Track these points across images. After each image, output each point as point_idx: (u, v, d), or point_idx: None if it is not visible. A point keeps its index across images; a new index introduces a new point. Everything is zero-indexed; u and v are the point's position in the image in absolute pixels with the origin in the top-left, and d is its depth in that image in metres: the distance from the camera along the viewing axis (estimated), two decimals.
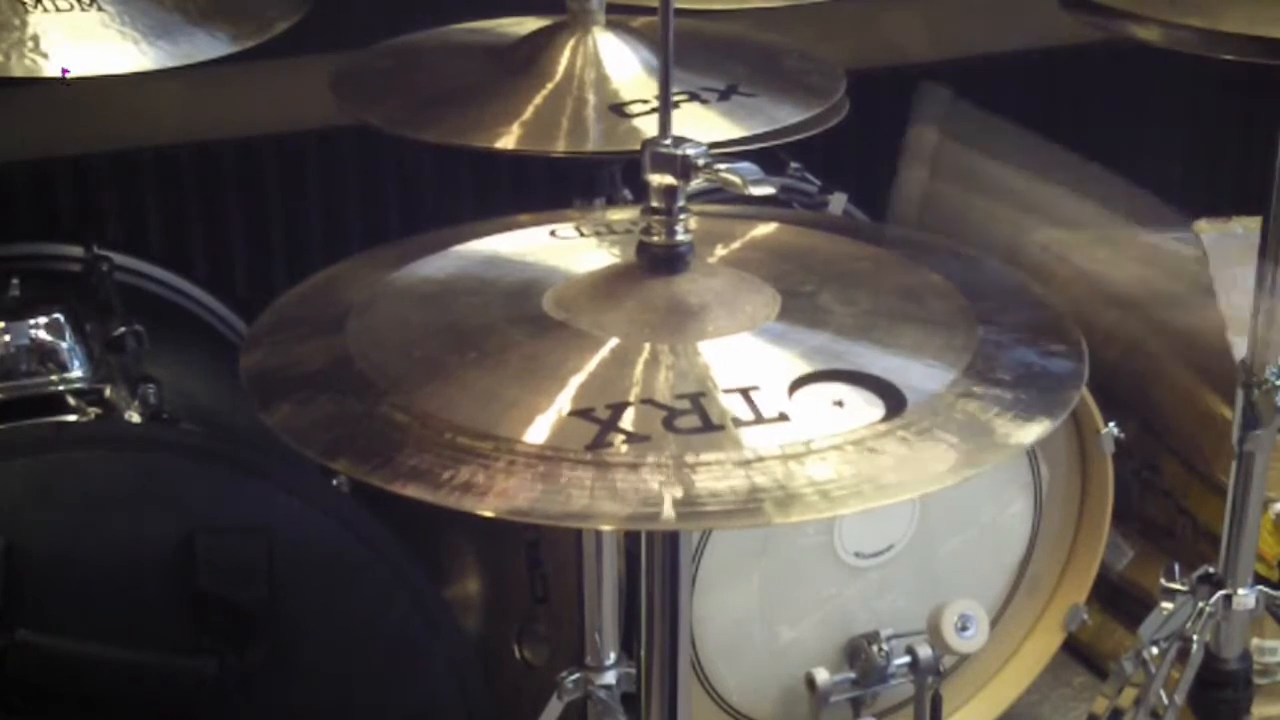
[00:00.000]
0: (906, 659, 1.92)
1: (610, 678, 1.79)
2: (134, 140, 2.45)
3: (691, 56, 1.62)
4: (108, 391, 1.76)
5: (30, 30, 1.61)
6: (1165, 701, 1.95)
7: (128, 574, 1.59)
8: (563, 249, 1.27)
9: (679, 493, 0.97)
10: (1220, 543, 1.95)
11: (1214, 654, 1.97)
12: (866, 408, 1.04)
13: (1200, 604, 1.93)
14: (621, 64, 1.62)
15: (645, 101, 1.55)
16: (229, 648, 1.59)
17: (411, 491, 0.97)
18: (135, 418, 1.74)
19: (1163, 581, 1.97)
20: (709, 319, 1.11)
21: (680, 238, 1.14)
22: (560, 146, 1.53)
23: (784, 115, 1.59)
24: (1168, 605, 1.95)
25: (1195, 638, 1.92)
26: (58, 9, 1.64)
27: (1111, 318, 2.52)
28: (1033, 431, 1.05)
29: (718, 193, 1.19)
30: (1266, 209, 1.83)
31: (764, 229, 1.32)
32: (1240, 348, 1.90)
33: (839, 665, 1.97)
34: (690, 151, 1.13)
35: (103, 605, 1.58)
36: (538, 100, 1.58)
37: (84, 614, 1.57)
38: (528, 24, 1.74)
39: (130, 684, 1.57)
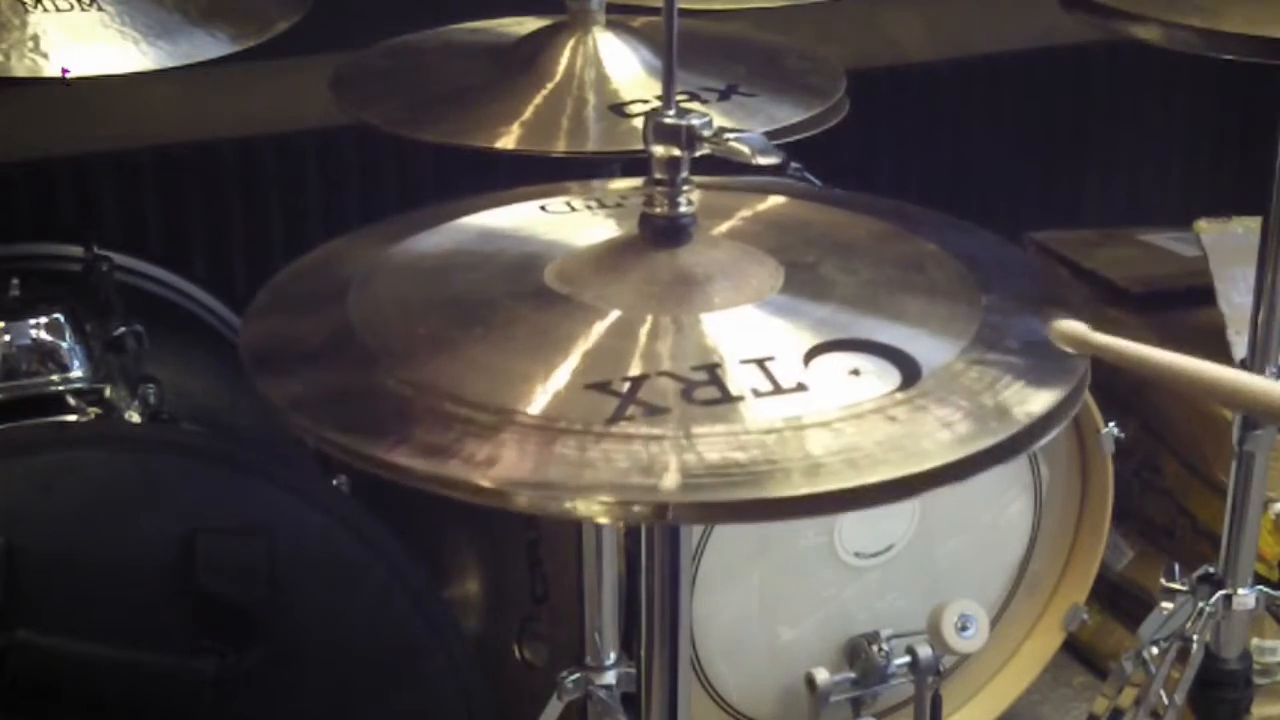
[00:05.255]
0: (906, 659, 1.92)
1: (610, 678, 1.79)
2: (134, 140, 2.45)
3: (691, 56, 1.62)
4: (108, 391, 1.76)
5: (30, 30, 1.61)
6: (1165, 701, 1.95)
7: (128, 574, 1.59)
8: (557, 223, 1.25)
9: (698, 463, 0.95)
10: (1220, 543, 1.95)
11: (1214, 654, 1.97)
12: (883, 376, 1.03)
13: (1200, 604, 1.93)
14: (621, 64, 1.61)
15: (645, 101, 1.55)
16: (229, 648, 1.58)
17: (417, 465, 0.95)
18: (135, 418, 1.74)
19: (1163, 581, 1.97)
20: (715, 291, 1.10)
21: (684, 209, 1.13)
22: (560, 146, 1.53)
23: (784, 115, 1.59)
24: (1168, 605, 1.95)
25: (1195, 638, 1.92)
26: (58, 9, 1.64)
27: (1111, 318, 2.52)
28: (1045, 399, 1.02)
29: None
30: (1266, 209, 1.83)
31: (760, 203, 1.31)
32: (1240, 348, 1.90)
33: (839, 665, 1.97)
34: (695, 122, 1.11)
35: (103, 605, 1.58)
36: (538, 100, 1.58)
37: (84, 614, 1.57)
38: (528, 24, 1.74)
39: (130, 684, 1.57)
